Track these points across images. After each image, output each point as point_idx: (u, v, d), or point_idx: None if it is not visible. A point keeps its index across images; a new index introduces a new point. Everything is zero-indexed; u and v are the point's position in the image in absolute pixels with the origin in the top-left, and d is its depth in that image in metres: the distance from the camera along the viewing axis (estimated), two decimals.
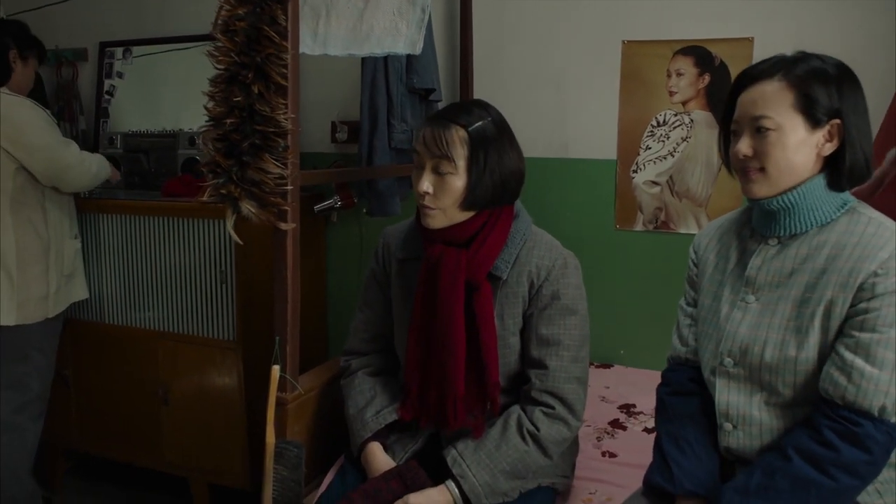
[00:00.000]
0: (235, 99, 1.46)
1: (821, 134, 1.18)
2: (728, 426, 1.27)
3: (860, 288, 1.14)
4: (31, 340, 2.20)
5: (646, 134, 2.35)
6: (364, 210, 2.56)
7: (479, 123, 1.41)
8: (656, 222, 2.37)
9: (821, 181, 1.20)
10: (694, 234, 1.58)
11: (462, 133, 1.40)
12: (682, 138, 2.31)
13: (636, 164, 2.37)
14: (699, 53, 2.25)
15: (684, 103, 2.29)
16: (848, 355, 1.14)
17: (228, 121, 1.47)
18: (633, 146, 2.37)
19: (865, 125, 1.20)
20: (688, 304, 1.43)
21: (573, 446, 1.60)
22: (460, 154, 1.40)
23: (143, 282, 2.42)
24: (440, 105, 2.44)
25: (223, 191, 1.49)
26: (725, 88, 2.22)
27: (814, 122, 1.17)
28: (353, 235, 2.78)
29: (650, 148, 2.35)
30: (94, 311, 2.51)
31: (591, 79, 2.39)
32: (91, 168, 2.26)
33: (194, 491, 2.48)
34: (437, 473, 1.45)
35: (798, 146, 1.18)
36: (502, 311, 1.46)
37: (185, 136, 2.59)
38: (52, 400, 2.36)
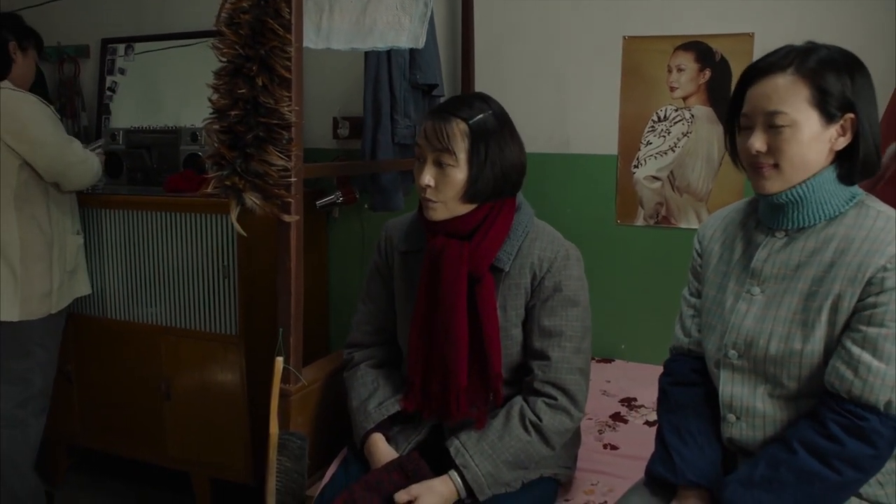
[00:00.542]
0: (240, 91, 1.47)
1: (834, 129, 1.17)
2: (731, 417, 1.27)
3: (869, 282, 1.13)
4: (33, 336, 2.21)
5: (647, 129, 2.36)
6: (366, 205, 2.57)
7: (480, 116, 1.42)
8: (657, 217, 2.38)
9: (831, 174, 1.19)
10: (695, 229, 1.59)
11: (463, 126, 1.41)
12: (682, 133, 2.32)
13: (637, 159, 2.38)
14: (700, 49, 2.26)
15: (685, 98, 2.30)
16: (855, 350, 1.13)
17: (233, 113, 1.48)
18: (634, 141, 2.38)
19: (875, 115, 1.19)
20: (691, 294, 1.43)
21: (575, 438, 1.61)
22: (461, 147, 1.41)
23: (145, 277, 2.43)
24: (442, 101, 2.44)
25: (227, 182, 1.50)
26: (726, 84, 2.24)
27: (828, 117, 1.16)
28: (355, 231, 2.78)
29: (651, 143, 2.36)
30: (97, 306, 2.52)
31: (592, 74, 2.40)
32: (93, 166, 2.27)
33: (196, 486, 2.48)
34: (440, 465, 1.45)
35: (812, 142, 1.16)
36: (505, 302, 1.47)
37: (187, 132, 2.59)
38: (54, 395, 2.36)
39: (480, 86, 2.48)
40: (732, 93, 1.27)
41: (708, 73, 2.27)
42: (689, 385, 1.37)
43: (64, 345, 2.40)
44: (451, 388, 1.45)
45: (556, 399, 1.44)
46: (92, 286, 2.46)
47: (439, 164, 1.41)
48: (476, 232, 1.45)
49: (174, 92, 2.85)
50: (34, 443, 2.27)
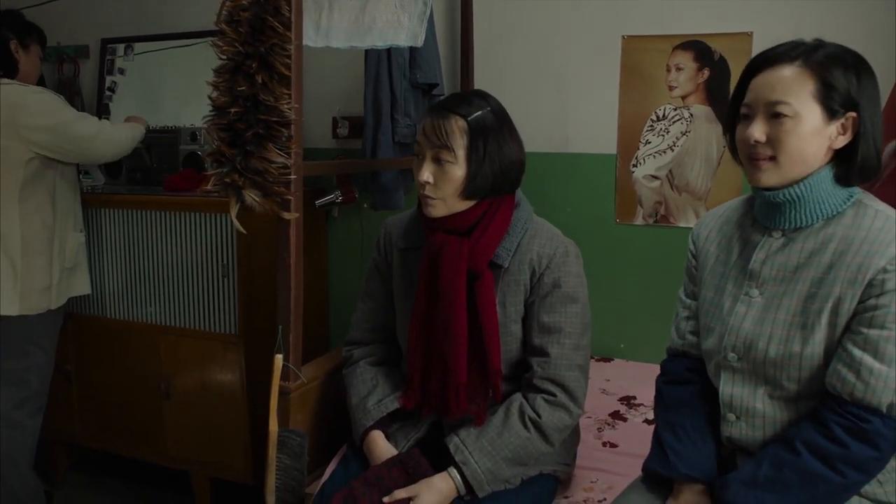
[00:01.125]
0: (240, 88, 1.48)
1: (835, 126, 1.16)
2: (731, 417, 1.27)
3: (869, 284, 1.12)
4: (31, 334, 2.20)
5: (645, 128, 2.36)
6: (365, 204, 2.57)
7: (479, 113, 1.42)
8: (656, 216, 2.38)
9: (828, 174, 1.18)
10: None
11: (461, 123, 1.41)
12: (681, 133, 2.32)
13: (636, 158, 2.38)
14: (699, 48, 2.27)
15: (684, 98, 2.31)
16: (856, 352, 1.12)
17: (233, 110, 1.49)
18: (633, 140, 2.38)
19: (879, 118, 1.17)
20: (686, 295, 1.42)
21: (574, 435, 1.61)
22: (460, 144, 1.41)
23: (145, 276, 2.43)
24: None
25: (227, 180, 1.50)
26: (725, 83, 2.25)
27: (831, 113, 1.14)
28: (355, 230, 2.79)
29: (650, 142, 2.36)
30: (97, 305, 2.52)
31: (592, 74, 2.40)
32: (115, 133, 2.27)
33: (196, 485, 2.48)
34: (439, 461, 1.45)
35: (812, 136, 1.15)
36: (504, 298, 1.47)
37: (187, 131, 2.60)
38: (53, 395, 2.36)
39: (480, 85, 2.49)
40: (737, 82, 1.25)
41: (707, 73, 2.27)
42: (683, 384, 1.37)
43: (63, 344, 2.39)
44: (451, 385, 1.45)
45: (555, 395, 1.44)
46: (91, 285, 2.46)
47: (438, 161, 1.42)
48: (475, 228, 1.45)
49: (173, 92, 2.85)
50: (32, 442, 2.26)
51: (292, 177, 1.56)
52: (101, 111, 3.00)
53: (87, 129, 2.19)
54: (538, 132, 2.46)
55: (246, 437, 2.34)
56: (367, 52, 2.29)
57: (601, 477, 1.66)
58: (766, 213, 1.25)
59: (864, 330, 1.12)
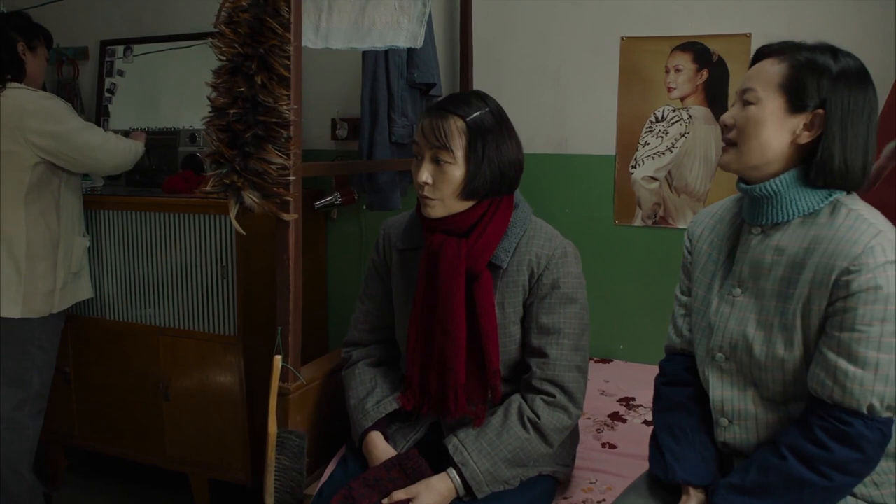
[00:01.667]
0: (239, 89, 1.48)
1: (801, 120, 1.15)
2: (724, 421, 1.26)
3: (835, 285, 1.11)
4: (33, 336, 2.21)
5: (644, 129, 2.36)
6: (364, 205, 2.57)
7: (478, 114, 1.43)
8: (655, 217, 2.39)
9: (798, 172, 1.17)
10: None
11: (460, 123, 1.41)
12: (680, 134, 2.32)
13: (635, 159, 2.39)
14: (697, 49, 2.27)
15: (682, 99, 2.31)
16: (831, 356, 1.11)
17: (232, 111, 1.49)
18: (632, 142, 2.38)
19: (857, 132, 1.14)
20: (682, 292, 1.42)
21: (574, 436, 1.61)
22: (458, 144, 1.41)
23: (144, 277, 2.43)
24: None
25: (226, 181, 1.50)
26: (723, 84, 2.25)
27: (795, 105, 1.14)
28: (353, 232, 2.79)
29: (649, 143, 2.36)
30: (96, 307, 2.52)
31: (590, 75, 2.41)
32: (120, 145, 2.28)
33: (194, 486, 2.48)
34: (439, 462, 1.45)
35: (772, 124, 1.15)
36: (503, 299, 1.47)
37: (186, 133, 2.60)
38: (52, 396, 2.36)
39: (478, 86, 2.49)
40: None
41: (705, 74, 2.27)
42: (681, 384, 1.37)
43: (62, 345, 2.39)
44: (450, 385, 1.45)
45: (554, 396, 1.44)
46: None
47: (437, 162, 1.42)
48: (474, 229, 1.45)
49: (173, 93, 2.85)
50: (32, 444, 2.26)
51: (291, 178, 1.56)
52: (101, 113, 3.00)
53: (93, 138, 2.19)
54: (537, 133, 2.47)
55: (245, 438, 2.34)
56: (364, 51, 2.29)
57: (600, 478, 1.66)
58: (749, 209, 1.25)
59: (836, 333, 1.11)
